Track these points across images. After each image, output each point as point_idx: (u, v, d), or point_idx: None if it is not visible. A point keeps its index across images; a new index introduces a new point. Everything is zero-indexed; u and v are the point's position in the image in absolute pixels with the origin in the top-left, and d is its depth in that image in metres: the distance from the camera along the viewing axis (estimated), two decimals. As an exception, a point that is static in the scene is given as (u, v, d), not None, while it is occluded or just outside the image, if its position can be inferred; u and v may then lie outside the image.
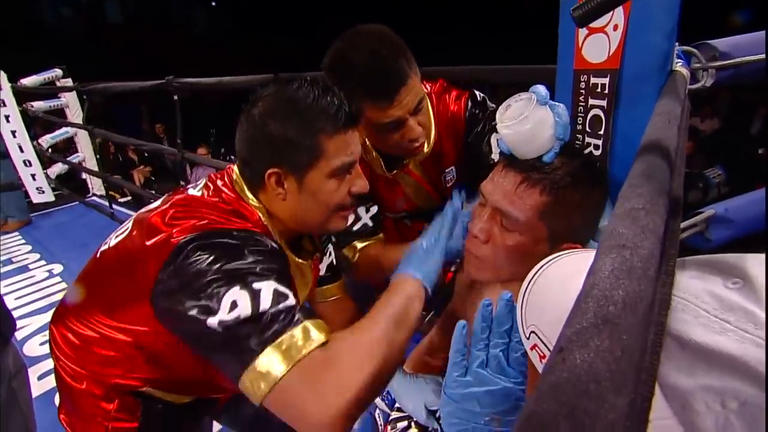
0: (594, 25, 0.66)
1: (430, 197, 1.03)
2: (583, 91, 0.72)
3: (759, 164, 3.35)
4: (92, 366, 0.69)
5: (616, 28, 0.64)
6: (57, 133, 3.71)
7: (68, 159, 3.82)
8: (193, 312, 0.56)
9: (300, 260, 0.77)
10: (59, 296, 2.25)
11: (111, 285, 0.69)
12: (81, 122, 3.50)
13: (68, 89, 3.61)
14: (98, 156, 3.62)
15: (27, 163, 3.42)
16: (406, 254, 0.73)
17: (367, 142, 0.95)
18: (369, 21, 0.84)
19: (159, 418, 0.73)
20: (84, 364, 0.70)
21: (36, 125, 4.40)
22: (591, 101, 0.71)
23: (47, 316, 2.02)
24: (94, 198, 3.91)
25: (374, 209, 0.98)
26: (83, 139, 3.75)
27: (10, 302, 2.18)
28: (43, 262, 2.70)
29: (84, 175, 4.02)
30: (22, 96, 3.44)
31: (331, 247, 0.95)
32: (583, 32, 0.69)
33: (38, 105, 3.52)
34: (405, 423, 0.76)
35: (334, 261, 0.95)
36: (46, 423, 0.91)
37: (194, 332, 0.57)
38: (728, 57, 0.69)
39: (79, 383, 0.70)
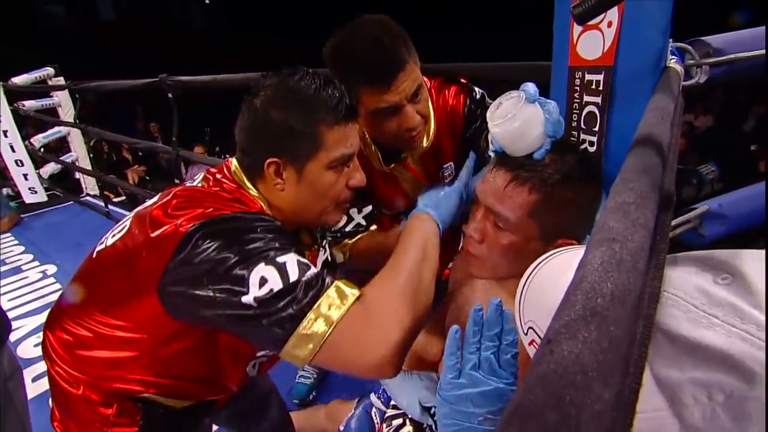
0: (588, 22, 0.66)
1: None
2: (577, 88, 0.72)
3: (752, 161, 3.38)
4: (90, 369, 0.68)
5: (610, 24, 0.64)
6: (49, 132, 3.66)
7: (61, 158, 3.78)
8: (223, 295, 0.57)
9: None
10: (53, 297, 2.23)
11: (109, 283, 0.67)
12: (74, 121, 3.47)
13: (60, 87, 3.56)
14: (91, 155, 3.59)
15: (19, 163, 3.38)
16: (422, 193, 0.75)
17: (367, 136, 0.95)
18: (368, 19, 0.83)
19: (160, 422, 0.71)
20: (81, 367, 0.68)
21: (28, 125, 4.35)
22: (586, 98, 0.72)
23: (41, 318, 2.01)
24: (88, 198, 3.87)
25: (367, 209, 0.98)
26: (76, 138, 3.70)
27: (3, 304, 2.16)
28: (36, 263, 2.67)
29: (77, 175, 3.98)
30: (14, 95, 3.39)
31: (326, 244, 0.95)
32: (577, 29, 0.69)
33: (30, 104, 3.46)
34: (400, 420, 0.77)
35: (329, 257, 0.95)
36: (41, 425, 0.90)
37: (228, 314, 0.58)
38: (722, 53, 0.70)
39: (75, 389, 0.69)
